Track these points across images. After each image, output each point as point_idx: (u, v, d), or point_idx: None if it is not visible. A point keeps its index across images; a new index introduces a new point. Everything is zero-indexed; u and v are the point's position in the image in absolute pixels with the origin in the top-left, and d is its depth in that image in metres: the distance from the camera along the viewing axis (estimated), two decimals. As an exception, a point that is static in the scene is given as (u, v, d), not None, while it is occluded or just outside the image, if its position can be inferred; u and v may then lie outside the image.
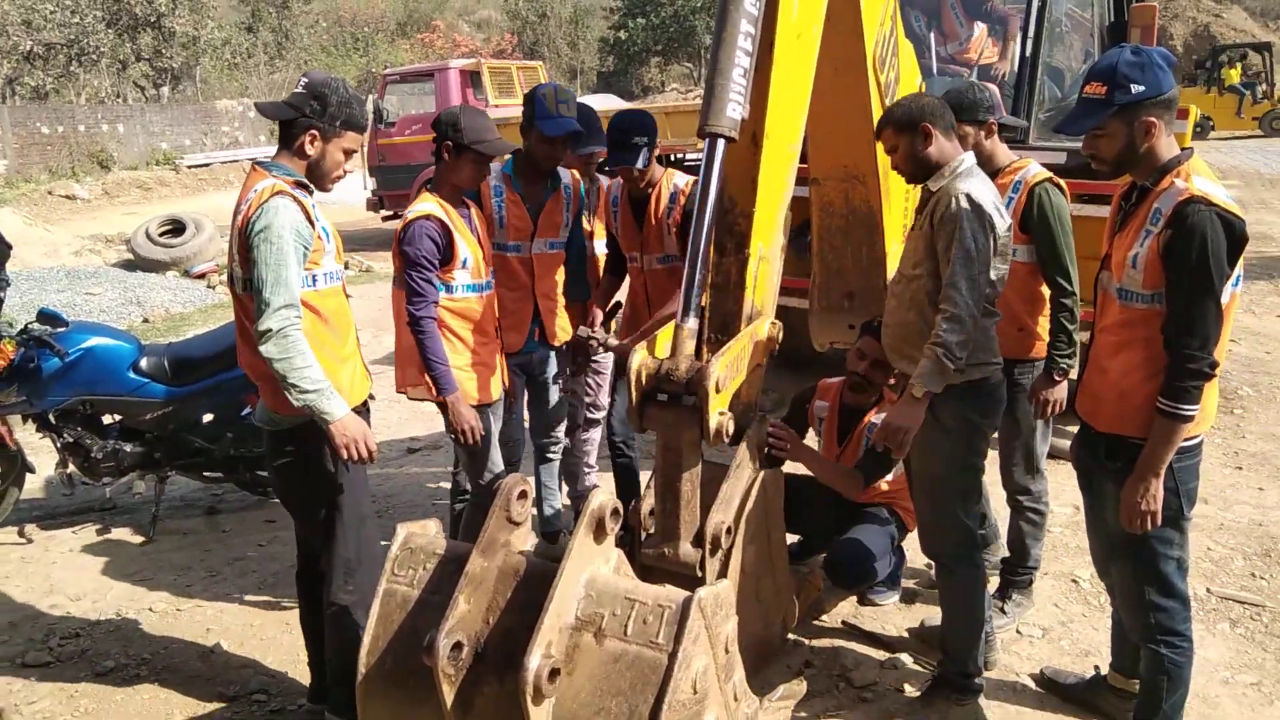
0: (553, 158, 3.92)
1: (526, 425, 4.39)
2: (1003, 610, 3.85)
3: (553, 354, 4.27)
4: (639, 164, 3.89)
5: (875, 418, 3.96)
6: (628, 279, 4.37)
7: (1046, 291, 3.67)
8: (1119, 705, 3.23)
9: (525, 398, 4.30)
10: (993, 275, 3.04)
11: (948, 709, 3.29)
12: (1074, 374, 3.44)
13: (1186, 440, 2.68)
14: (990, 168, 3.56)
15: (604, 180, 4.77)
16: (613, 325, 4.51)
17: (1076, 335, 3.63)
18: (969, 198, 2.98)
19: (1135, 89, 2.60)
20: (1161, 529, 2.72)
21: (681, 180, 4.10)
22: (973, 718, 3.28)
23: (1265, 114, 25.80)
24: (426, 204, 3.53)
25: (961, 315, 2.95)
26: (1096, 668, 3.43)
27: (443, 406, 3.54)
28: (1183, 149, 2.70)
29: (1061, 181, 3.68)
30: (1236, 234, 2.56)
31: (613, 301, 4.42)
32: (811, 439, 4.25)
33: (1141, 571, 2.83)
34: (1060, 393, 3.63)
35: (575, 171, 4.26)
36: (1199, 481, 2.83)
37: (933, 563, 3.56)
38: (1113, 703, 3.27)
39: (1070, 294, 3.58)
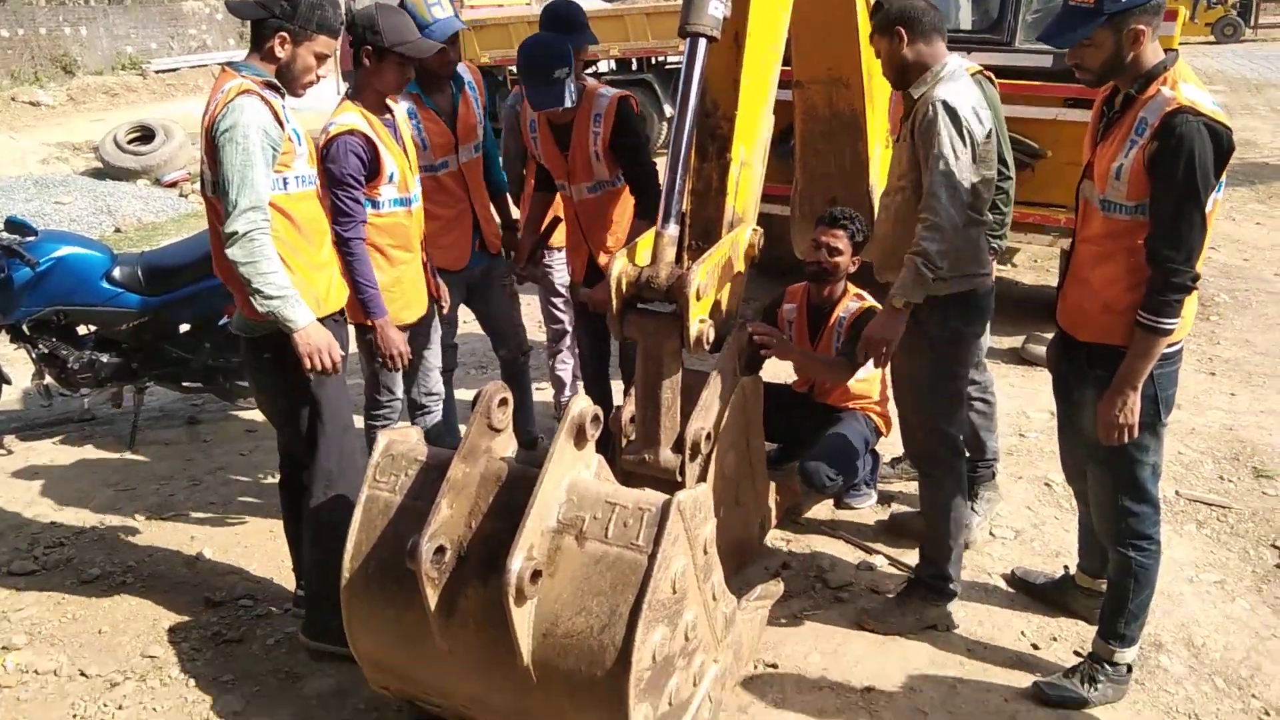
0: (447, 62, 3.81)
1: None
2: (974, 509, 3.90)
3: (495, 261, 4.25)
4: (567, 102, 3.67)
5: (842, 310, 3.99)
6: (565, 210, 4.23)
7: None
8: (1087, 603, 3.32)
9: (470, 313, 4.29)
10: (974, 179, 3.00)
11: (922, 609, 3.37)
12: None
13: (1167, 347, 2.67)
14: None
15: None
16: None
17: (1009, 217, 3.84)
18: (945, 104, 2.94)
19: None
20: (1139, 435, 2.72)
21: (605, 97, 3.83)
22: (944, 618, 3.37)
23: (1218, 20, 25.27)
24: (349, 115, 3.34)
25: (941, 223, 2.92)
26: (1066, 567, 3.52)
27: (369, 329, 3.43)
28: (1168, 51, 2.63)
29: (990, 74, 3.72)
30: (1224, 144, 2.51)
31: (548, 220, 4.27)
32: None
33: (1117, 478, 2.85)
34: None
35: (469, 64, 4.18)
36: (1177, 388, 2.84)
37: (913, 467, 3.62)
38: (1081, 601, 3.37)
39: (1007, 177, 3.69)
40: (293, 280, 2.87)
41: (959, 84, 3.03)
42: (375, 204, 3.44)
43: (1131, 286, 2.65)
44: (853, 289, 4.06)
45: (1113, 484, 2.87)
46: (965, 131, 2.95)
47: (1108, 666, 2.98)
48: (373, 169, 3.37)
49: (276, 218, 2.85)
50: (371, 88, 3.41)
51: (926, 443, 3.35)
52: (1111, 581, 3.00)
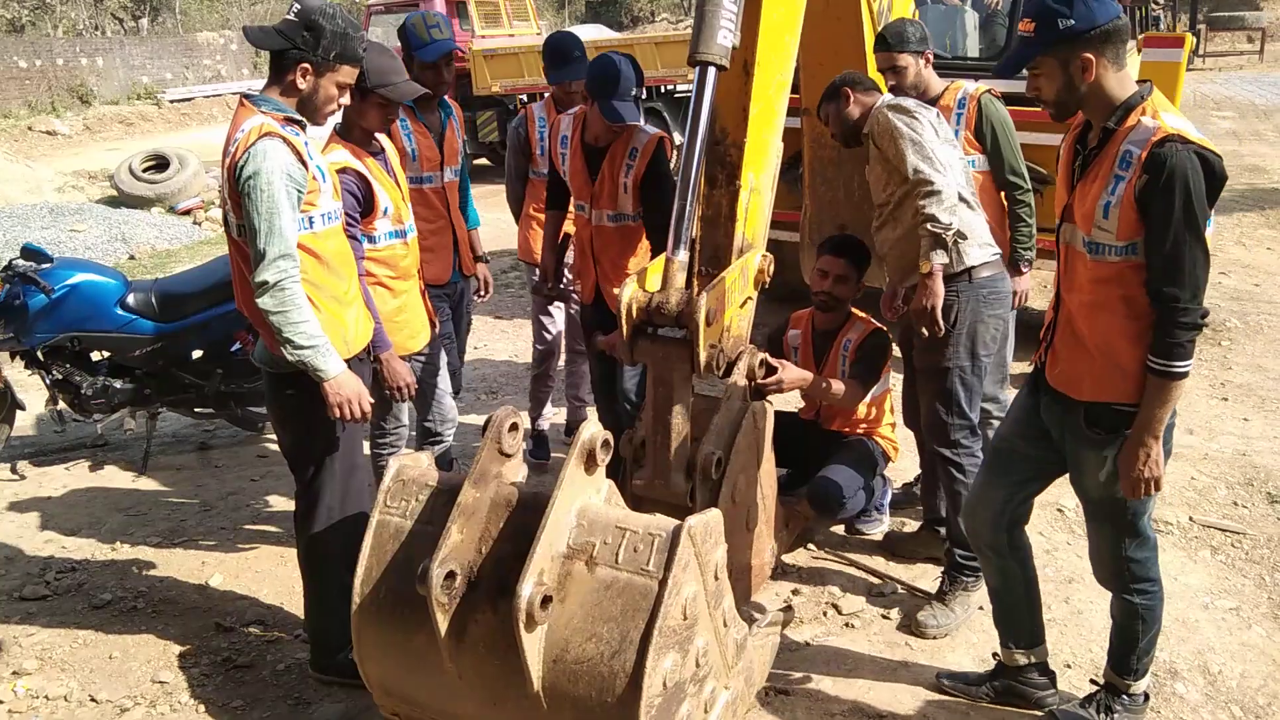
0: (440, 82, 3.94)
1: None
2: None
3: (469, 284, 4.36)
4: (640, 120, 3.80)
5: (849, 335, 4.01)
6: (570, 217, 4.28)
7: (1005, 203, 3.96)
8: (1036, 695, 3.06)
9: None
10: (947, 148, 3.29)
11: (966, 596, 3.46)
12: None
13: None
14: (928, 95, 3.82)
15: (534, 107, 4.82)
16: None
17: (1034, 229, 3.94)
18: (885, 102, 3.37)
19: (1063, 24, 2.39)
20: None
21: (645, 133, 3.88)
22: (972, 606, 3.45)
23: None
24: (340, 154, 3.30)
25: (934, 186, 3.16)
26: (995, 654, 3.17)
27: (374, 360, 3.38)
28: (1141, 83, 2.52)
29: (998, 92, 3.97)
30: (1216, 172, 2.37)
31: (560, 235, 4.40)
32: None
33: (1121, 528, 2.72)
34: (1025, 284, 4.02)
35: (452, 100, 4.28)
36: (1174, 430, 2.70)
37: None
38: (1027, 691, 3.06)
39: (1025, 190, 3.90)
40: (321, 321, 2.85)
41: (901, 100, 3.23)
42: (372, 239, 3.43)
43: (1134, 337, 2.49)
44: (858, 314, 4.08)
45: (1114, 535, 2.74)
46: (912, 111, 3.26)
47: (1124, 697, 2.91)
48: (367, 205, 3.36)
49: (305, 258, 2.82)
50: (356, 125, 3.39)
51: (948, 429, 3.50)
52: (1118, 624, 2.88)
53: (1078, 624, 3.50)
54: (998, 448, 2.97)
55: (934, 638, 3.43)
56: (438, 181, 4.02)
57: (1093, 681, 3.05)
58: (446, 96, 4.12)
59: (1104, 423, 2.57)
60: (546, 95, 4.81)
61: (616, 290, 4.01)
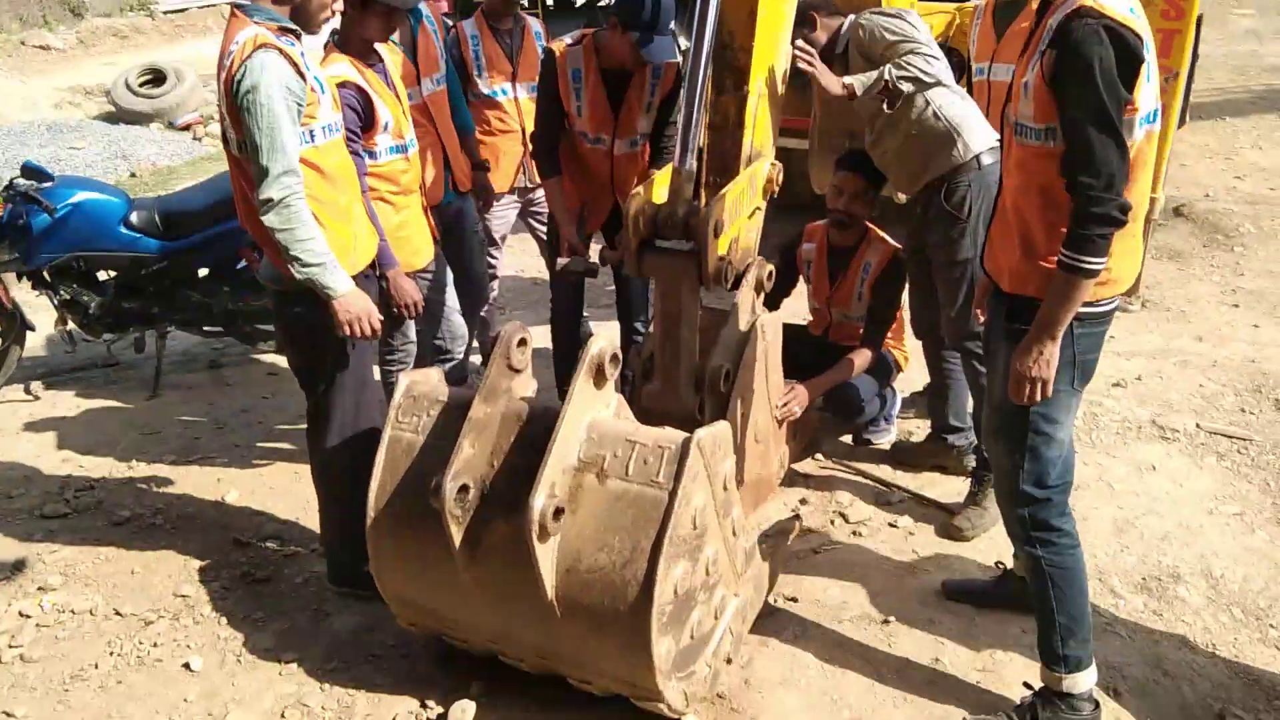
0: None
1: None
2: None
3: (467, 203, 4.18)
4: (677, 55, 3.62)
5: (868, 257, 3.96)
6: (577, 165, 3.97)
7: None
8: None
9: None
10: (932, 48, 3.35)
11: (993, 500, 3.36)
12: None
13: (1094, 305, 2.35)
14: None
15: (533, 24, 4.51)
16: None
17: None
18: (864, 14, 3.41)
19: None
20: (1047, 407, 2.41)
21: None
22: None
23: None
24: (340, 66, 3.23)
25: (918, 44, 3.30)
26: (999, 563, 3.24)
27: (381, 278, 3.35)
28: None
29: None
30: (1129, 48, 2.15)
31: (580, 206, 4.04)
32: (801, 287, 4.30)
33: (1016, 454, 2.48)
34: None
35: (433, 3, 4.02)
36: (1099, 354, 2.50)
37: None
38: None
39: None
40: (326, 237, 2.82)
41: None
42: (373, 154, 3.36)
43: (1049, 226, 2.31)
44: (874, 231, 4.02)
45: (1010, 463, 2.51)
46: (900, 15, 3.40)
47: (1059, 702, 2.55)
48: (368, 119, 3.29)
49: (307, 173, 2.78)
50: (357, 37, 3.30)
51: (973, 323, 3.32)
52: (1031, 591, 2.60)
53: (1083, 530, 3.52)
54: (987, 348, 2.83)
55: (972, 539, 3.47)
56: (416, 97, 3.83)
57: (1025, 685, 2.71)
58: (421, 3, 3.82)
59: (1023, 317, 2.38)
60: (477, 10, 4.49)
61: None
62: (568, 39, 3.82)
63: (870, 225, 4.02)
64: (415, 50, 3.90)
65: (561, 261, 3.86)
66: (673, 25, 3.57)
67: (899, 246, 3.92)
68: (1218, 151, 8.52)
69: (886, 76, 3.26)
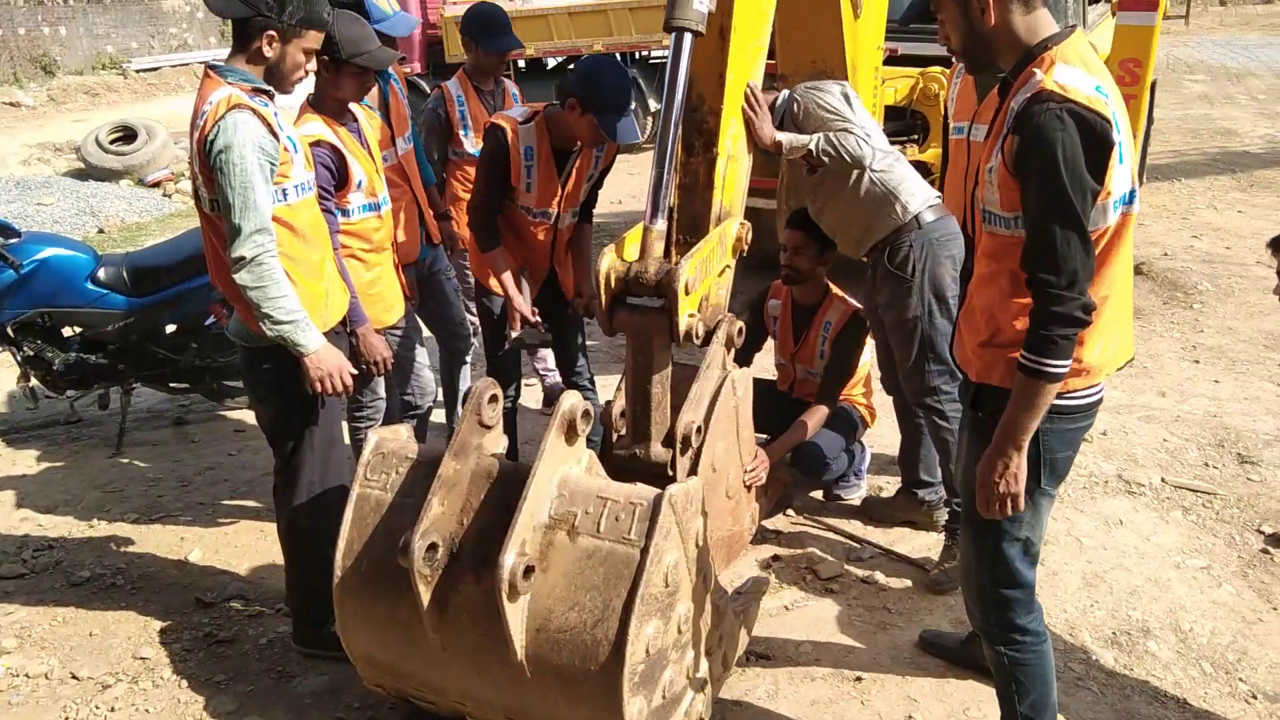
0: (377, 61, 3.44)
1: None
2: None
3: (439, 253, 4.27)
4: (639, 136, 3.71)
5: (829, 315, 4.04)
6: (516, 237, 3.90)
7: None
8: None
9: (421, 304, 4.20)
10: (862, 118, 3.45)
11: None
12: None
13: (1065, 396, 2.18)
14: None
15: (510, 86, 4.64)
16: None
17: None
18: (797, 89, 3.53)
19: None
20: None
21: None
22: None
23: None
24: (314, 125, 3.26)
25: (850, 125, 3.42)
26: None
27: (351, 334, 3.34)
28: (1070, 27, 2.24)
29: None
30: (1095, 134, 2.00)
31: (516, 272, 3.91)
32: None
33: (982, 553, 2.37)
34: None
35: (396, 70, 4.07)
36: (1075, 451, 2.34)
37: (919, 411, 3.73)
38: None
39: None
40: (298, 294, 2.82)
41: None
42: (346, 212, 3.38)
43: (1016, 314, 2.18)
44: (836, 291, 4.09)
45: (979, 559, 2.38)
46: (825, 88, 3.51)
47: None
48: (341, 178, 3.31)
49: (280, 230, 2.79)
50: (331, 97, 3.34)
51: (925, 378, 3.52)
52: (996, 682, 2.51)
53: (1052, 584, 3.55)
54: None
55: (951, 592, 3.47)
56: (392, 158, 3.88)
57: None
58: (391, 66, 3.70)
59: (986, 406, 2.27)
60: (459, 72, 4.60)
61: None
62: (517, 116, 3.76)
63: (831, 285, 4.08)
64: (388, 111, 3.95)
65: (514, 336, 3.79)
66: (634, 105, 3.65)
67: (859, 306, 3.98)
68: (1174, 211, 8.75)
69: (812, 146, 3.37)
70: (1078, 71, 2.06)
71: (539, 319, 3.84)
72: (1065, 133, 1.98)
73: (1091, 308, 2.05)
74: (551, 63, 13.17)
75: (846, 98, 3.50)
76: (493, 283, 3.88)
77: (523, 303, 3.80)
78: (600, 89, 3.50)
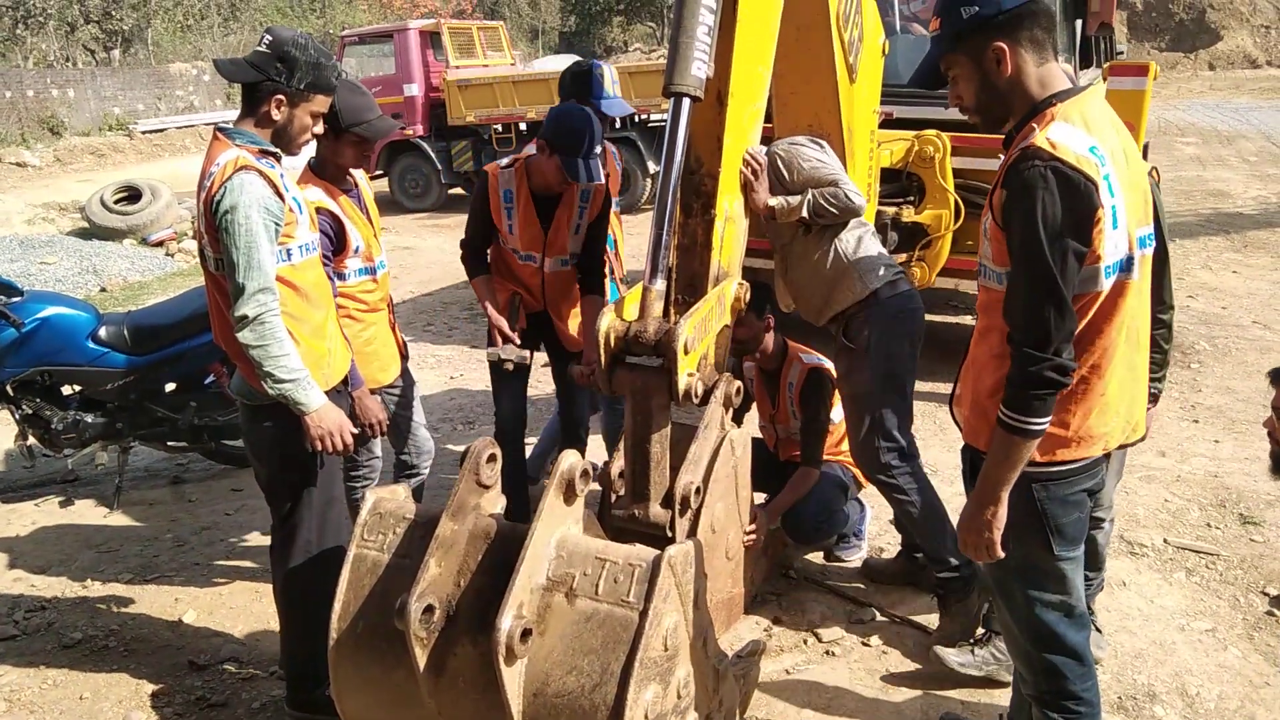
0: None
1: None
2: (972, 651, 3.34)
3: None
4: (600, 178, 3.72)
5: (790, 376, 4.04)
6: (510, 274, 4.02)
7: None
8: None
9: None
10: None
11: (964, 609, 3.41)
12: None
13: (1055, 465, 2.18)
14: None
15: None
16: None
17: (1167, 354, 3.18)
18: (777, 144, 3.54)
19: (967, 11, 2.11)
20: (1031, 575, 2.28)
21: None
22: (973, 609, 3.41)
23: None
24: (313, 192, 3.28)
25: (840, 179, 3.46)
26: (1001, 716, 3.05)
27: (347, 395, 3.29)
28: (1085, 85, 2.25)
29: None
30: (1079, 195, 1.97)
31: (509, 295, 4.04)
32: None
33: (1017, 619, 2.35)
34: (1151, 416, 3.01)
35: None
36: (1084, 514, 2.30)
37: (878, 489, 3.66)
38: None
39: (1169, 308, 3.14)
40: (300, 353, 2.84)
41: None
42: (342, 276, 3.41)
43: (1001, 380, 2.14)
44: (796, 348, 4.08)
45: (1015, 624, 2.37)
46: (806, 144, 3.59)
47: None
48: (339, 244, 3.35)
49: (284, 290, 2.82)
50: (331, 163, 3.38)
51: (878, 452, 3.46)
52: None
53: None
54: None
55: (945, 666, 3.29)
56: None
57: None
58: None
59: (978, 472, 2.24)
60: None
61: (573, 325, 4.02)
62: (502, 162, 3.94)
63: (790, 344, 4.09)
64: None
65: (492, 351, 3.88)
66: (599, 149, 3.69)
67: (816, 364, 3.98)
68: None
69: (805, 209, 3.39)
70: (1074, 130, 2.04)
71: (516, 340, 3.90)
72: (1047, 191, 1.97)
73: (1067, 369, 2.02)
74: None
75: (823, 148, 3.54)
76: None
77: (502, 322, 3.87)
78: (562, 131, 3.66)
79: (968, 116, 2.30)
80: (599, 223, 3.97)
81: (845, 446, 4.13)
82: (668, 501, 2.99)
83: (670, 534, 2.95)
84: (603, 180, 3.78)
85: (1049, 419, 2.06)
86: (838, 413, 4.04)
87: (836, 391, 3.86)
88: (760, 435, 4.36)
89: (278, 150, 2.89)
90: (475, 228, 3.99)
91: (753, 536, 3.54)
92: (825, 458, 4.08)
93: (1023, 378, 2.03)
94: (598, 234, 3.99)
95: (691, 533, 3.01)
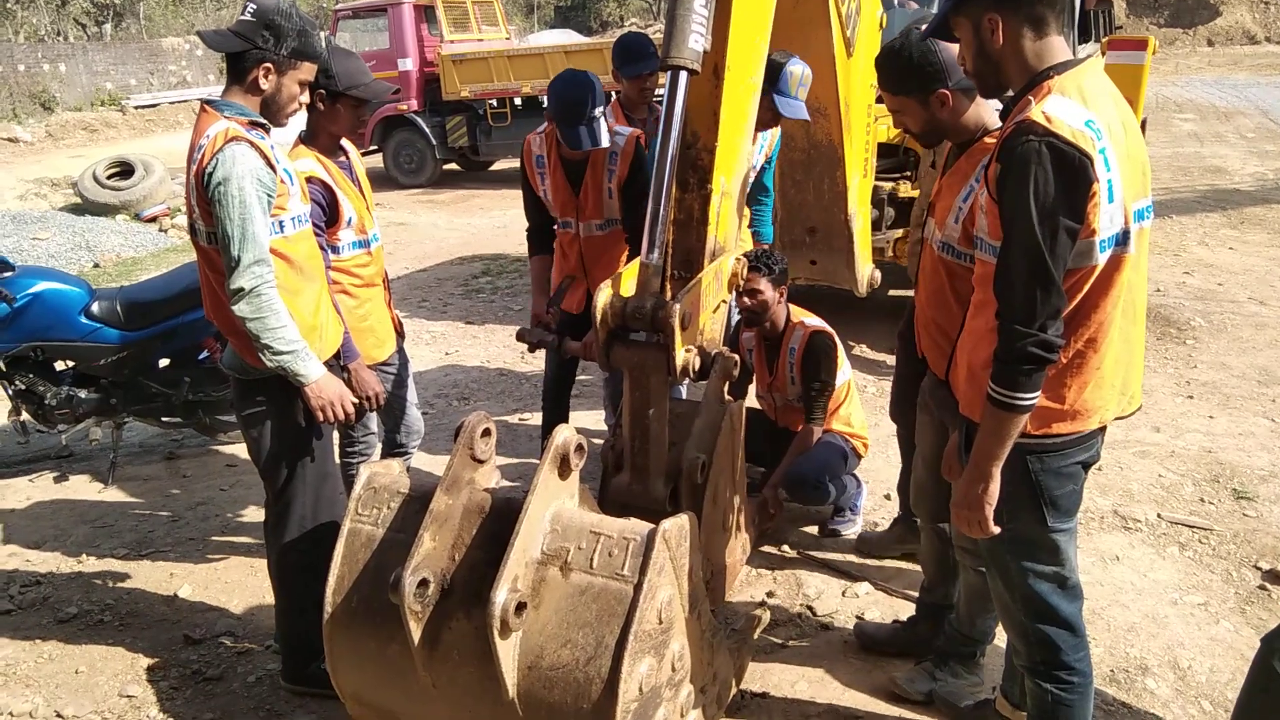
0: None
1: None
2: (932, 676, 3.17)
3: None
4: (603, 142, 3.68)
5: (792, 342, 4.07)
6: (558, 248, 4.13)
7: None
8: None
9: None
10: None
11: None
12: None
13: (1050, 437, 2.20)
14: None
15: None
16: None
17: None
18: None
19: None
20: (1025, 547, 2.31)
21: (621, 135, 3.87)
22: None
23: None
24: (306, 162, 3.24)
25: None
26: (994, 688, 3.03)
27: (343, 369, 3.29)
28: (1086, 56, 2.26)
29: None
30: (1073, 170, 1.95)
31: (561, 280, 4.07)
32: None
33: (1012, 590, 2.38)
34: None
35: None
36: (1079, 486, 2.33)
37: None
38: None
39: None
40: (296, 324, 2.83)
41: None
42: (335, 249, 3.38)
43: (993, 345, 2.14)
44: (797, 313, 4.12)
45: (1012, 599, 2.39)
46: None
47: None
48: (331, 215, 3.31)
49: (277, 263, 2.80)
50: (325, 131, 3.34)
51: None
52: (1030, 716, 2.50)
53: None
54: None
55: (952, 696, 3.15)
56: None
57: None
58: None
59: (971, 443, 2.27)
60: (612, 101, 4.34)
61: None
62: (541, 128, 4.01)
63: (794, 309, 4.12)
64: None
65: (521, 330, 4.00)
66: (598, 111, 3.65)
67: (818, 328, 4.01)
68: (1166, 248, 8.81)
69: None
70: (1071, 104, 2.02)
71: (549, 320, 3.99)
72: (1040, 166, 1.95)
73: (1053, 345, 2.02)
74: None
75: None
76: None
77: (540, 303, 4.02)
78: (553, 101, 3.71)
79: (976, 85, 2.32)
80: (635, 181, 3.86)
81: (844, 413, 4.16)
82: (669, 476, 2.99)
83: (671, 509, 2.95)
84: (606, 143, 3.71)
85: (1037, 394, 2.07)
86: (841, 376, 4.07)
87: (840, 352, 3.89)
88: (759, 405, 4.39)
89: (266, 122, 2.86)
90: (525, 200, 4.10)
91: (775, 518, 3.55)
92: (827, 429, 4.11)
93: (1008, 353, 2.04)
94: (642, 198, 3.89)
95: (695, 507, 3.02)
